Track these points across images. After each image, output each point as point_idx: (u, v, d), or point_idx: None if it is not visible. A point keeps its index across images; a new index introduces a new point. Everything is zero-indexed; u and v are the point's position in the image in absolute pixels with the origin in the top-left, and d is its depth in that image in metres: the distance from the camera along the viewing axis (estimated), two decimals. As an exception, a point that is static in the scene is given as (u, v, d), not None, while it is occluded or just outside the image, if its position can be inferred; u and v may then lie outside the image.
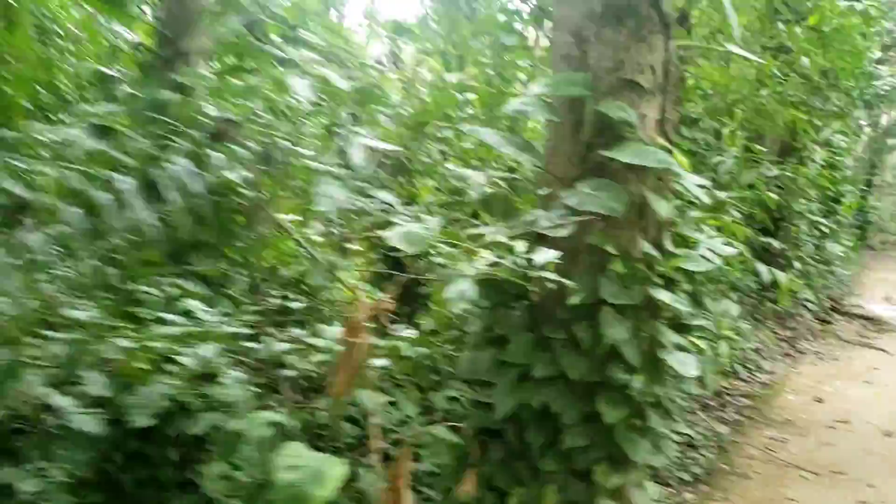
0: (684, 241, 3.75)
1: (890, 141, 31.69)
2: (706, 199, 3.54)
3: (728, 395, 7.47)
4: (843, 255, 17.13)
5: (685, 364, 3.18)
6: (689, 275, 3.60)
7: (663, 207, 3.26)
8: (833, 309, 13.59)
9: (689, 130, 9.67)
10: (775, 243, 10.73)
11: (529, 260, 3.01)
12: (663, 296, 3.24)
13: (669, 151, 3.52)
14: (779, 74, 8.87)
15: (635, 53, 3.46)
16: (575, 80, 3.42)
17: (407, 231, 2.72)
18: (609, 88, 3.47)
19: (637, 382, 3.16)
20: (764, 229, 11.49)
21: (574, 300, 3.18)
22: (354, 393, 2.76)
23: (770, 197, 9.23)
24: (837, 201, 14.92)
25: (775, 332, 10.63)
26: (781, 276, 5.69)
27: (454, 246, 2.84)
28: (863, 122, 31.65)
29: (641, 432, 3.24)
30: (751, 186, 9.91)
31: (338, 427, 2.85)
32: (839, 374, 9.27)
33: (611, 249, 3.29)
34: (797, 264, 11.31)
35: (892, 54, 28.54)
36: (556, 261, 3.11)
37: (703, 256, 3.60)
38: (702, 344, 3.86)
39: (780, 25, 8.64)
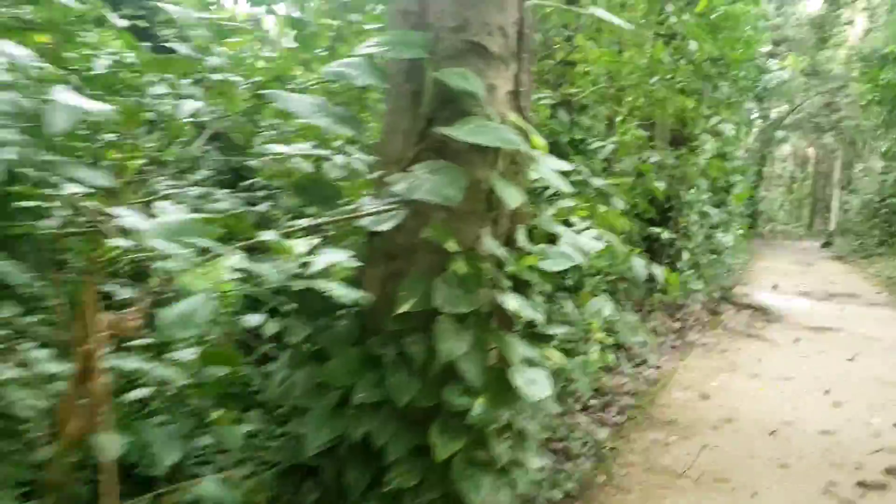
0: (545, 236, 3.22)
1: (778, 133, 32.71)
2: (566, 188, 3.01)
3: (612, 393, 7.10)
4: (733, 244, 17.32)
5: (534, 383, 2.64)
6: (549, 275, 3.08)
7: (512, 196, 2.70)
8: (723, 299, 13.58)
9: (579, 116, 9.30)
10: (664, 233, 10.50)
11: (305, 264, 2.40)
12: (511, 302, 2.69)
13: (525, 130, 2.98)
14: (667, 61, 8.55)
15: (483, 11, 2.89)
16: (411, 40, 2.82)
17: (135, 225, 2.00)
18: (452, 52, 2.89)
19: (478, 407, 2.61)
20: (653, 219, 11.29)
21: (402, 308, 2.59)
22: (93, 436, 2.10)
23: (656, 187, 8.94)
24: (728, 191, 14.96)
25: (664, 324, 10.42)
26: (658, 272, 5.26)
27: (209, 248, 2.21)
28: (754, 115, 32.59)
29: (484, 467, 2.70)
30: (639, 175, 9.62)
31: (67, 484, 2.19)
32: (726, 368, 9.08)
33: (450, 246, 2.71)
34: (686, 255, 11.13)
35: (781, 49, 29.38)
36: (356, 263, 2.51)
37: (564, 254, 3.07)
38: (562, 352, 3.37)
39: (669, 9, 8.30)
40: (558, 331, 3.06)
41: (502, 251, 2.69)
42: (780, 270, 22.51)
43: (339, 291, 2.77)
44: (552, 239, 3.16)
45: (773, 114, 34.05)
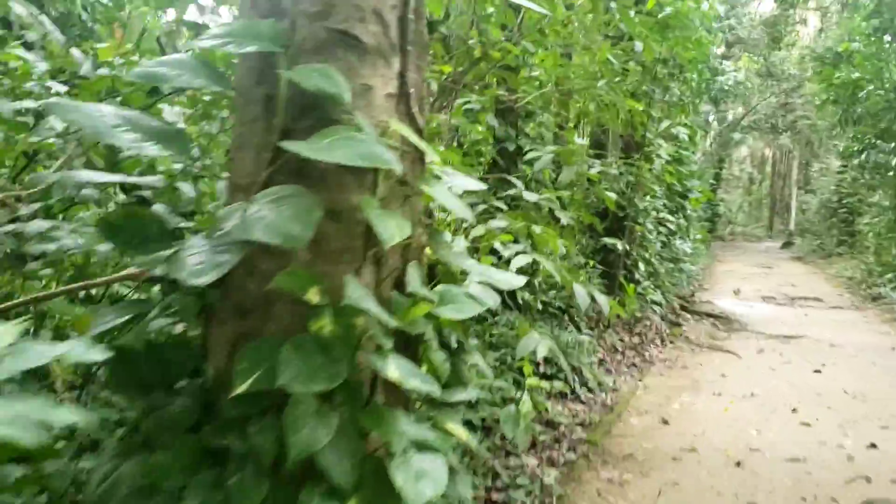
0: (450, 275, 2.57)
1: (735, 135, 32.66)
2: (465, 213, 2.38)
3: (563, 425, 6.48)
4: (692, 250, 16.89)
5: (423, 477, 1.97)
6: (455, 323, 2.43)
7: (392, 229, 2.04)
8: (683, 308, 13.08)
9: (525, 123, 8.70)
10: (619, 244, 9.95)
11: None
12: (391, 368, 2.03)
13: (416, 142, 2.33)
14: (614, 62, 7.98)
15: (352, -9, 2.24)
16: (259, 30, 2.17)
17: None
18: (314, 44, 2.23)
19: (348, 516, 1.96)
20: (607, 229, 10.74)
21: (239, 387, 1.92)
22: None
23: (607, 197, 8.37)
24: (685, 196, 14.50)
25: (622, 340, 9.86)
26: (602, 299, 4.64)
27: None
28: (711, 118, 32.47)
29: None
30: (591, 183, 9.06)
31: None
32: (688, 386, 8.52)
33: (312, 297, 2.05)
34: (642, 265, 10.59)
35: (734, 51, 29.25)
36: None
37: (471, 296, 2.43)
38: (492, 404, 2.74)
39: (613, 6, 7.73)
40: (466, 397, 2.41)
41: (371, 303, 2.02)
42: (741, 274, 22.20)
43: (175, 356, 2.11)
44: (456, 278, 2.52)
45: (730, 116, 33.97)
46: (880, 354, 10.69)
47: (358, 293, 1.98)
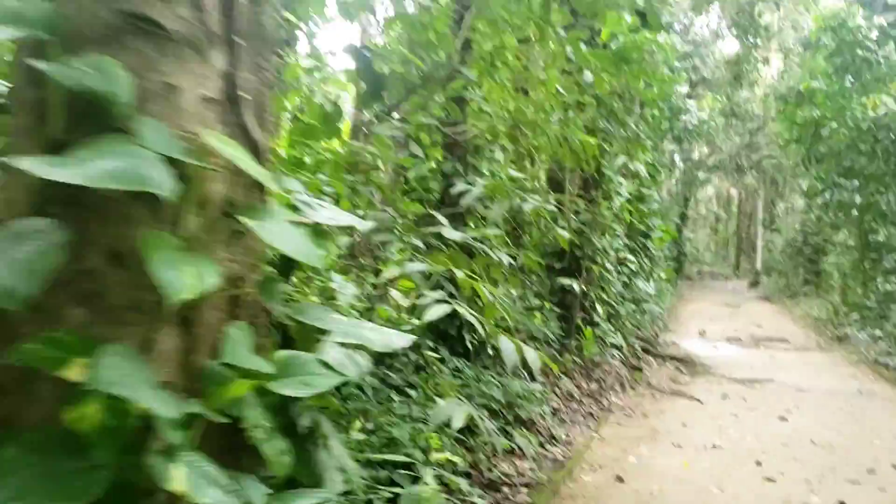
0: (303, 335, 2.00)
1: (701, 175, 32.65)
2: (312, 258, 1.81)
3: (509, 484, 5.86)
4: (655, 290, 16.46)
5: None
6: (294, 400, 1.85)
7: (179, 280, 1.48)
8: (646, 351, 12.57)
9: (474, 158, 8.20)
10: (575, 285, 9.44)
11: None
12: (177, 479, 1.45)
13: (253, 162, 1.77)
14: (564, 94, 7.55)
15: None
16: (25, 10, 1.61)
17: None
18: (100, 32, 1.67)
19: None
20: (565, 269, 10.25)
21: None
22: None
23: (560, 235, 7.88)
24: (647, 235, 14.10)
25: (579, 386, 9.29)
26: (532, 356, 4.08)
27: None
28: (676, 157, 32.43)
29: None
30: (546, 222, 8.57)
31: None
32: (647, 436, 7.96)
33: (74, 375, 1.47)
34: (600, 307, 10.08)
35: (699, 91, 29.29)
36: None
37: (324, 365, 1.85)
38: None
39: (562, 33, 7.31)
40: (316, 500, 1.81)
41: (136, 386, 1.43)
42: (707, 314, 21.84)
43: None
44: (309, 342, 1.95)
45: (695, 155, 33.97)
46: (847, 399, 10.23)
47: (112, 372, 1.39)
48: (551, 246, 10.67)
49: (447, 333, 7.43)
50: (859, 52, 16.10)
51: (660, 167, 16.74)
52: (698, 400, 9.88)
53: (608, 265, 10.74)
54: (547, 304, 9.67)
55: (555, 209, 11.32)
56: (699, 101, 24.70)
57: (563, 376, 9.25)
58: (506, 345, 3.63)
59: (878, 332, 13.61)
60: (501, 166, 9.21)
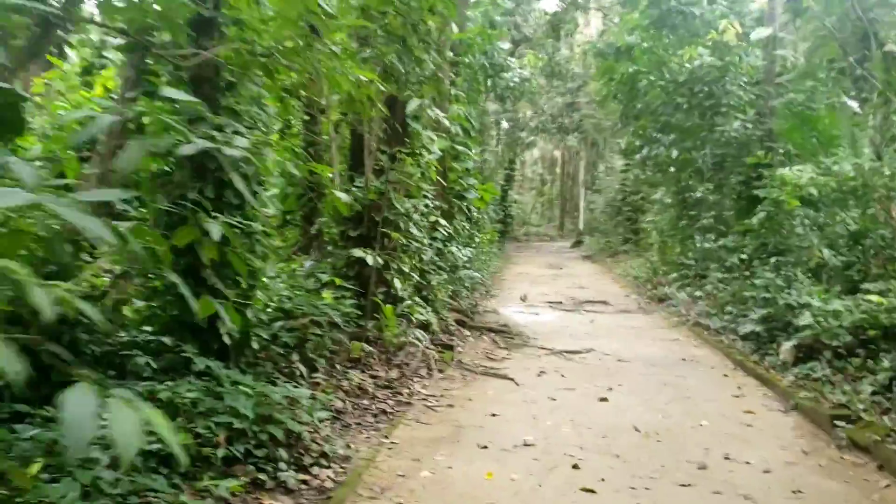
0: None
1: (524, 134, 31.94)
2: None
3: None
4: (474, 255, 15.24)
5: None
6: None
7: None
8: (461, 324, 11.22)
9: (226, 98, 6.29)
10: (370, 256, 7.83)
11: None
12: None
13: None
14: (333, 13, 5.76)
15: None
16: None
17: None
18: None
19: None
20: (362, 238, 8.61)
21: None
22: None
23: (337, 199, 6.18)
24: (463, 197, 12.72)
25: (375, 376, 7.73)
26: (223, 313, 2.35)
27: None
28: (502, 120, 31.60)
29: None
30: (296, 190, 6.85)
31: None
32: (448, 436, 6.50)
33: None
34: (398, 282, 8.52)
35: (521, 51, 28.41)
36: None
37: None
38: None
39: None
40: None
41: None
42: (531, 276, 21.07)
43: None
44: None
45: (520, 116, 33.33)
46: (670, 370, 9.32)
47: None
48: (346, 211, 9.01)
49: (196, 326, 5.59)
50: (674, 3, 15.42)
51: (478, 124, 15.38)
52: (512, 380, 8.60)
53: (414, 230, 9.19)
54: (338, 280, 8.00)
55: (346, 170, 9.66)
56: (521, 61, 23.70)
57: (354, 366, 7.65)
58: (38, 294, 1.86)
59: (697, 293, 13.02)
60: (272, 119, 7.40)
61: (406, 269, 8.58)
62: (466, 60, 13.97)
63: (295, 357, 6.86)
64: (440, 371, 8.62)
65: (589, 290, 17.91)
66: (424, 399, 7.62)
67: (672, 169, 16.48)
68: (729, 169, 14.35)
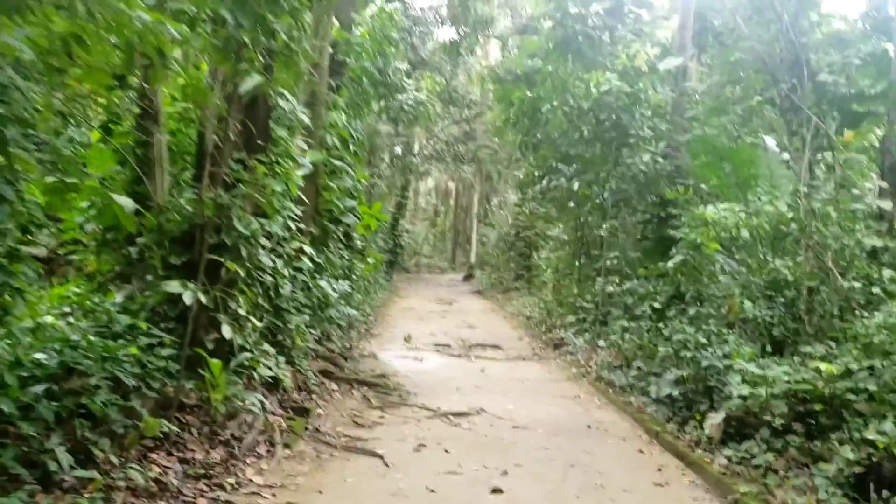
0: None
1: (416, 160, 29.98)
2: None
3: None
4: (353, 290, 13.10)
5: None
6: None
7: None
8: (327, 375, 9.04)
9: None
10: (188, 293, 5.61)
11: None
12: None
13: None
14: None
15: None
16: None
17: None
18: None
19: None
20: (188, 265, 6.37)
21: None
22: None
23: (117, 204, 3.99)
24: (338, 221, 10.60)
25: (187, 462, 5.45)
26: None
27: None
28: (396, 147, 29.66)
29: None
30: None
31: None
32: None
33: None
34: (227, 329, 6.26)
35: (419, 76, 26.65)
36: None
37: None
38: None
39: None
40: None
41: None
42: (419, 312, 19.06)
43: None
44: None
45: (415, 144, 31.52)
46: (576, 441, 7.47)
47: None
48: (178, 230, 6.74)
49: None
50: (579, 26, 13.95)
51: (367, 144, 13.29)
52: (381, 458, 6.51)
53: (265, 258, 6.98)
54: (143, 325, 5.71)
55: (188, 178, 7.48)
56: (418, 83, 21.94)
57: (160, 447, 5.36)
58: None
59: (600, 342, 11.30)
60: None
61: (244, 311, 6.34)
62: (350, 64, 11.97)
63: (55, 440, 4.55)
64: (287, 446, 6.41)
65: (479, 330, 16.03)
66: (256, 492, 5.40)
67: (571, 203, 14.92)
68: (633, 206, 12.87)
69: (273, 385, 7.12)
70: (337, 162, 10.08)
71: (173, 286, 5.66)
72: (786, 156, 11.34)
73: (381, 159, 24.40)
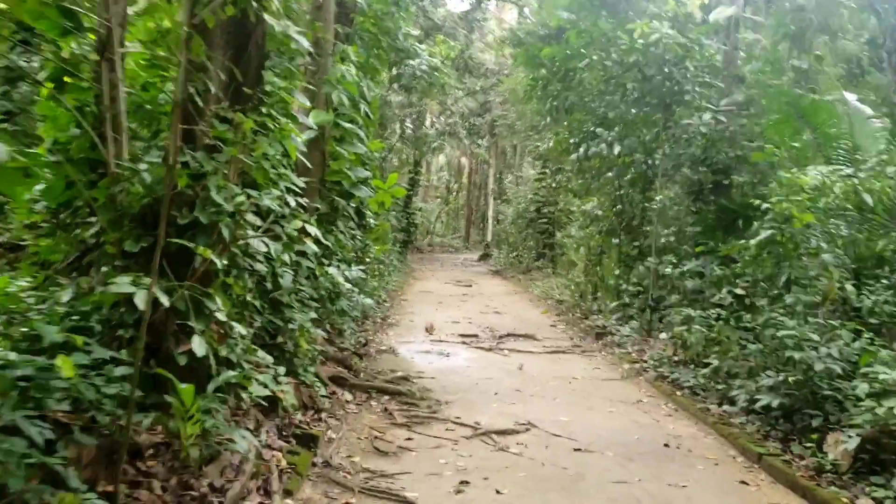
0: None
1: (431, 133, 27.95)
2: None
3: None
4: (367, 275, 11.38)
5: None
6: None
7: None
8: (339, 383, 7.33)
9: None
10: (139, 296, 3.88)
11: None
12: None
13: None
14: None
15: None
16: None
17: None
18: None
19: None
20: (148, 252, 4.64)
21: None
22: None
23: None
24: (349, 195, 8.84)
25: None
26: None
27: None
28: (407, 122, 27.72)
29: None
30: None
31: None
32: None
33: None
34: (199, 339, 4.50)
35: (432, 42, 24.66)
36: None
37: None
38: None
39: None
40: None
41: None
42: (438, 295, 17.31)
43: None
44: None
45: (428, 119, 29.60)
46: (656, 468, 5.75)
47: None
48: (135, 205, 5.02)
49: None
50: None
51: (377, 100, 11.42)
52: (406, 500, 4.80)
53: (257, 242, 5.24)
54: (77, 339, 3.98)
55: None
56: (431, 49, 19.99)
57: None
58: None
59: (662, 335, 9.52)
60: None
61: (222, 315, 4.58)
62: (359, 17, 10.15)
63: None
64: (288, 493, 4.70)
65: (507, 316, 14.28)
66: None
67: (610, 174, 13.09)
68: (686, 174, 11.04)
69: (270, 407, 5.40)
70: (346, 124, 8.33)
71: (122, 284, 3.92)
72: (868, 111, 9.54)
73: (392, 132, 22.54)
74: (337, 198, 8.35)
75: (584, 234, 15.67)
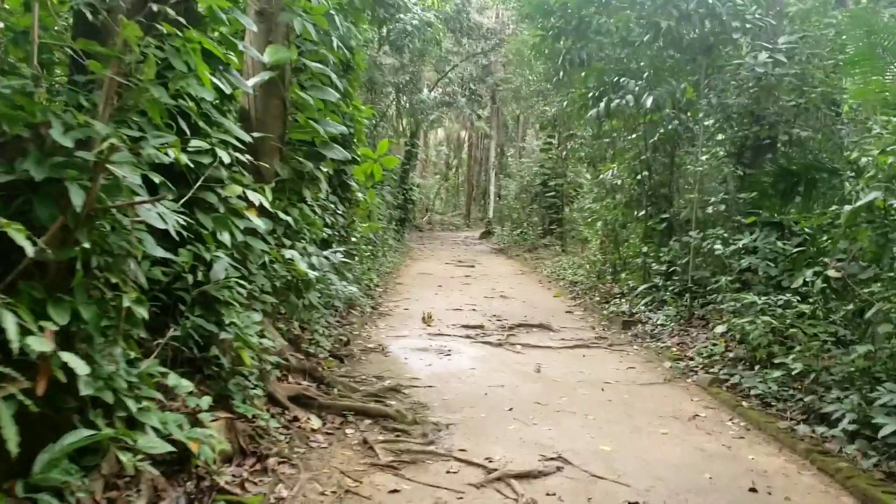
0: None
1: (428, 98, 25.62)
2: None
3: None
4: (356, 255, 9.49)
5: None
6: None
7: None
8: (304, 403, 5.45)
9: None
10: None
11: None
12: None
13: None
14: None
15: None
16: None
17: None
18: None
19: None
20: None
21: None
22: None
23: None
24: (321, 156, 6.89)
25: None
26: None
27: None
28: (397, 69, 25.51)
29: None
30: None
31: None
32: None
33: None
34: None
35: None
36: None
37: None
38: None
39: None
40: None
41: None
42: (437, 278, 15.41)
43: None
44: None
45: (424, 87, 27.47)
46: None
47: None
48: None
49: None
50: None
51: (358, 47, 9.33)
52: None
53: (147, 211, 3.34)
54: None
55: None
56: (423, 2, 17.93)
57: None
58: None
59: (718, 328, 7.59)
60: None
61: (46, 345, 2.69)
62: None
63: None
64: None
65: (515, 301, 12.40)
66: None
67: (634, 134, 11.14)
68: (737, 131, 9.10)
69: (179, 463, 3.53)
70: (315, 64, 6.39)
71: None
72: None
73: (385, 96, 20.48)
74: (303, 160, 6.41)
75: (601, 206, 13.72)
